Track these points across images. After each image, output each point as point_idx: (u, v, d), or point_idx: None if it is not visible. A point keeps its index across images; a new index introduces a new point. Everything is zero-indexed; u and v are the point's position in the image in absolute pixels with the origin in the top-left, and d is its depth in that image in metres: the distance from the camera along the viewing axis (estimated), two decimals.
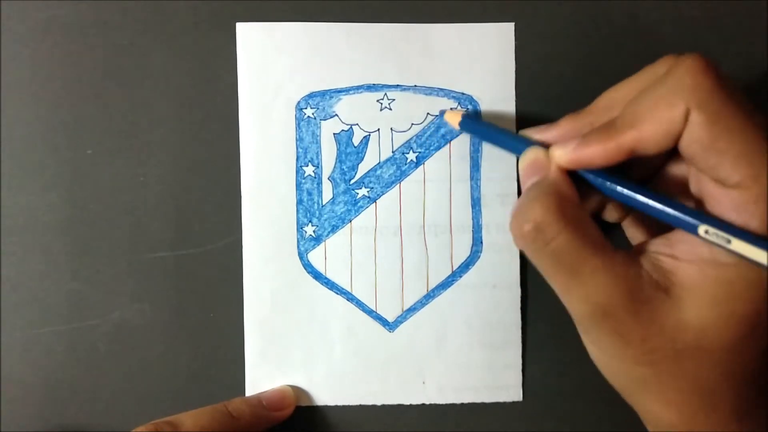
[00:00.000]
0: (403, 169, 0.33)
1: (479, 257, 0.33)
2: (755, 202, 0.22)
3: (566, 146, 0.25)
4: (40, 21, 0.33)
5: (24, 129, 0.33)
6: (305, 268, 0.33)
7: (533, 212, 0.24)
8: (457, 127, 0.32)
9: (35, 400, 0.33)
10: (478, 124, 0.32)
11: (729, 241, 0.22)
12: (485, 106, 0.33)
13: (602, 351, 0.25)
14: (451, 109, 0.33)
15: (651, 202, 0.24)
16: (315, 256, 0.33)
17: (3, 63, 0.33)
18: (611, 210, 0.30)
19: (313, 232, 0.33)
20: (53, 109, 0.33)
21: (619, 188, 0.25)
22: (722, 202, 0.23)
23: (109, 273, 0.33)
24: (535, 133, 0.28)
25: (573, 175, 0.26)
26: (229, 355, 0.33)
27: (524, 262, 0.33)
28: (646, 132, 0.23)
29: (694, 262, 0.23)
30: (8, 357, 0.33)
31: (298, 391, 0.33)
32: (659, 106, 0.23)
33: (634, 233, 0.30)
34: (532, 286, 0.33)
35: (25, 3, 0.33)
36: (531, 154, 0.27)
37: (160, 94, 0.33)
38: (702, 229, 0.23)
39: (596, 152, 0.24)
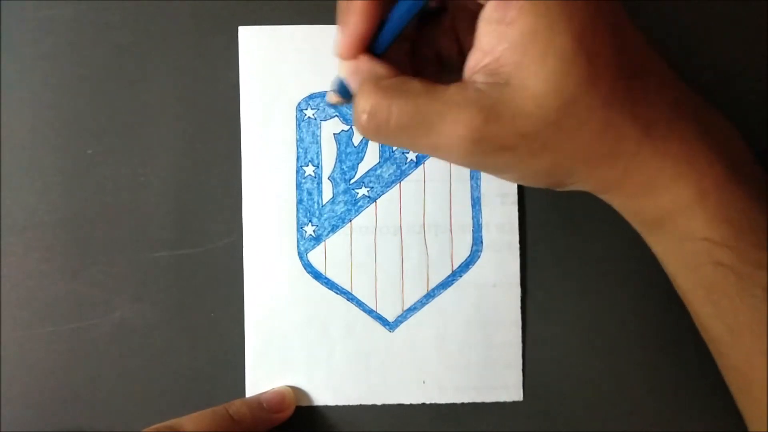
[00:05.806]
0: (403, 168, 0.33)
1: (479, 257, 0.33)
2: None
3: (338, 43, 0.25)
4: (40, 21, 0.33)
5: (24, 129, 0.33)
6: (305, 268, 0.33)
7: (360, 105, 0.24)
8: (339, 98, 0.29)
9: (35, 400, 0.33)
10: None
11: None
12: None
13: (506, 172, 0.25)
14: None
15: None
16: (315, 256, 0.33)
17: (3, 63, 0.33)
18: (446, 49, 0.29)
19: (313, 231, 0.33)
20: (53, 109, 0.33)
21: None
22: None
23: (109, 273, 0.33)
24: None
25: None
26: (229, 355, 0.33)
27: (524, 262, 0.33)
28: None
29: (504, 43, 0.23)
30: (8, 357, 0.33)
31: (298, 391, 0.33)
32: None
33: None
34: (532, 286, 0.33)
35: (25, 3, 0.33)
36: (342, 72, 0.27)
37: (161, 94, 0.33)
38: None
39: (353, 13, 0.24)
